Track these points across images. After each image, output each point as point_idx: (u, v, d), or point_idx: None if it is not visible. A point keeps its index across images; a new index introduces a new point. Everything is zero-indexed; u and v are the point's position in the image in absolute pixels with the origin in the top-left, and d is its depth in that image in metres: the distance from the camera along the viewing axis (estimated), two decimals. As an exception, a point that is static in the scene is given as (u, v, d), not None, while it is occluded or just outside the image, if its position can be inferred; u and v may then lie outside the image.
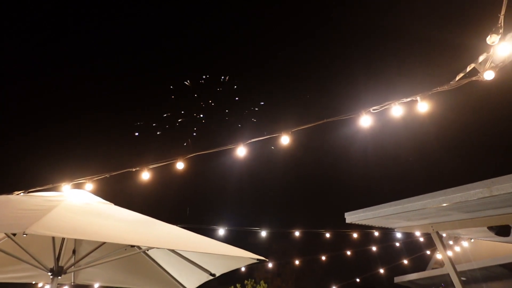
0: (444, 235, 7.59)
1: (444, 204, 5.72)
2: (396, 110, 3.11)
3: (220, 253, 2.82)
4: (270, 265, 12.76)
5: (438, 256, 12.21)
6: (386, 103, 3.04)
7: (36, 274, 4.29)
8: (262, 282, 16.48)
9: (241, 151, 3.48)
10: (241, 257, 3.11)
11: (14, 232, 3.08)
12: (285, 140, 3.37)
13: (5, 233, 3.39)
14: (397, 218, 6.96)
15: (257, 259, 2.83)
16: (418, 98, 2.96)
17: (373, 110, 3.10)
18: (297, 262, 12.56)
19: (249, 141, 3.37)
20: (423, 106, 3.00)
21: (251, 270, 14.46)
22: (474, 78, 2.64)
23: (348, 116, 3.12)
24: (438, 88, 2.82)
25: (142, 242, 2.73)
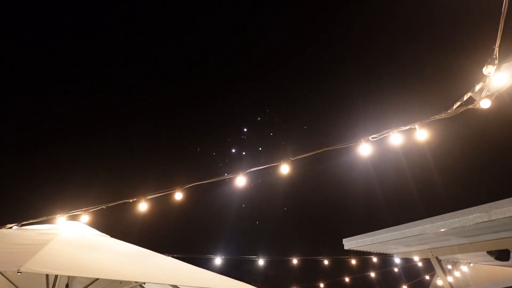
0: (442, 259, 7.52)
1: (443, 229, 5.69)
2: (395, 138, 3.14)
3: (218, 286, 2.74)
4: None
5: (438, 282, 12.03)
6: (385, 131, 3.08)
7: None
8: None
9: (240, 181, 3.46)
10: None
11: (8, 270, 2.98)
12: (284, 169, 3.36)
13: (-3, 269, 3.27)
14: (395, 244, 6.90)
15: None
16: (416, 126, 3.01)
17: (372, 138, 3.13)
18: (295, 290, 12.27)
19: (249, 171, 3.36)
20: (422, 134, 3.04)
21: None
22: (470, 106, 2.69)
23: (347, 144, 3.14)
24: (436, 116, 2.86)
25: (138, 278, 2.65)
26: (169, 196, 3.54)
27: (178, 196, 3.57)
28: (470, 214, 4.97)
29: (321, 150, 3.17)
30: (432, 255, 7.02)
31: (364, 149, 3.21)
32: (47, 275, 3.25)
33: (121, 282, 3.86)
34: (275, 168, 3.33)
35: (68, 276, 3.89)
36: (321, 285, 12.02)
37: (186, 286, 3.59)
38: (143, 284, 4.05)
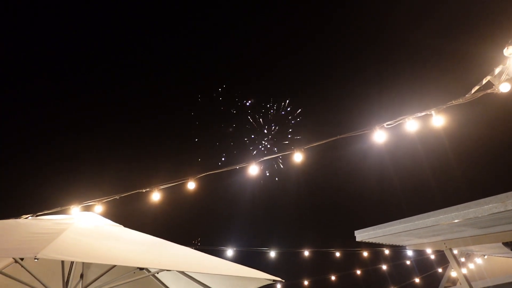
0: (456, 251, 7.44)
1: (457, 220, 5.61)
2: (411, 125, 3.07)
3: (233, 274, 2.74)
4: (278, 286, 12.49)
5: (452, 274, 11.93)
6: (400, 118, 3.02)
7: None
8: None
9: (253, 170, 3.44)
10: (254, 278, 3.03)
11: (25, 256, 3.03)
12: (298, 157, 3.33)
13: (13, 258, 3.33)
14: (408, 236, 6.83)
15: (273, 280, 2.75)
16: (432, 112, 2.94)
17: (387, 125, 3.08)
18: (306, 282, 12.28)
19: (262, 159, 3.35)
20: (438, 120, 2.97)
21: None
22: (489, 91, 2.61)
23: (361, 131, 3.09)
24: (453, 102, 2.79)
25: (154, 265, 2.66)
26: (182, 186, 3.55)
27: (191, 185, 3.58)
28: (486, 204, 4.89)
29: (335, 138, 3.13)
30: (446, 246, 6.93)
31: (379, 136, 3.16)
32: (62, 265, 3.29)
33: (134, 272, 3.89)
34: (289, 156, 3.31)
35: (83, 266, 3.95)
36: (333, 277, 12.01)
37: (202, 274, 3.61)
38: (156, 275, 4.08)
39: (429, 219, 5.77)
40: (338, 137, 3.11)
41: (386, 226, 6.69)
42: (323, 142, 3.14)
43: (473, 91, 2.64)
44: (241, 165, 3.38)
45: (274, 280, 2.76)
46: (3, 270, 3.40)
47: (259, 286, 3.09)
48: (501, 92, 2.61)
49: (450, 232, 6.26)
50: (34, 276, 3.28)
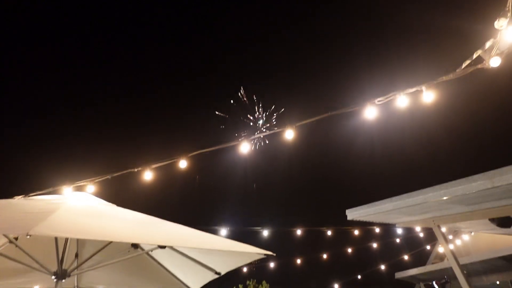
0: (444, 229, 7.62)
1: (445, 197, 5.72)
2: (401, 101, 3.09)
3: (226, 249, 2.79)
4: (271, 264, 12.75)
5: (440, 249, 12.25)
6: (391, 93, 3.03)
7: (38, 279, 4.23)
8: (264, 282, 16.43)
9: (244, 147, 3.45)
10: (247, 253, 3.09)
11: (18, 234, 3.04)
12: (289, 134, 3.34)
13: (7, 237, 3.33)
14: (398, 214, 6.96)
15: (264, 254, 2.80)
16: (423, 88, 2.95)
17: (378, 101, 3.09)
18: (298, 261, 12.55)
19: (253, 137, 3.35)
20: (429, 96, 2.99)
21: (251, 270, 14.41)
22: (480, 66, 2.62)
23: (352, 108, 3.10)
24: (444, 77, 2.80)
25: (149, 240, 2.69)
26: (174, 164, 3.55)
27: (183, 164, 3.59)
28: (473, 181, 4.98)
29: (326, 115, 3.14)
30: (434, 223, 7.09)
31: (370, 113, 3.17)
32: (56, 244, 3.31)
33: (129, 250, 3.94)
34: (280, 134, 3.31)
35: (77, 245, 3.97)
36: (324, 255, 12.29)
37: (195, 251, 3.66)
38: (150, 253, 4.13)
39: (418, 197, 5.88)
40: (330, 113, 3.11)
41: (377, 204, 6.80)
42: (315, 119, 3.14)
43: (463, 66, 2.65)
44: (232, 143, 3.38)
45: (265, 255, 2.82)
46: (-3, 250, 3.42)
47: (251, 260, 3.15)
48: (492, 67, 2.62)
49: (438, 210, 6.39)
50: (29, 255, 3.30)
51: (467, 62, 2.66)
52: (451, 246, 7.31)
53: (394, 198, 6.42)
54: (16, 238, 3.47)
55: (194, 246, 2.79)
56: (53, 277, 3.30)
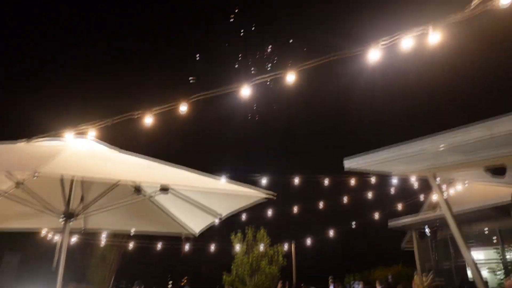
0: (439, 179, 7.80)
1: (442, 146, 5.80)
2: (407, 43, 3.00)
3: (230, 190, 2.87)
4: (269, 212, 13.18)
5: (433, 199, 12.62)
6: (396, 34, 2.94)
7: (47, 221, 4.38)
8: (262, 229, 17.13)
9: (245, 92, 3.41)
10: (248, 195, 3.19)
11: (26, 172, 3.11)
12: (290, 78, 3.28)
13: (14, 181, 3.40)
14: (394, 163, 7.07)
15: (265, 196, 2.90)
16: (429, 28, 2.86)
17: (382, 43, 3.01)
18: (295, 209, 12.98)
19: (253, 81, 3.30)
20: (435, 38, 2.90)
21: (250, 218, 14.95)
22: (489, 5, 2.53)
23: (356, 51, 3.03)
24: (451, 17, 2.71)
25: (152, 180, 2.76)
26: (175, 109, 3.54)
27: (183, 108, 3.58)
28: (471, 130, 5.02)
29: (328, 58, 3.07)
30: (430, 173, 7.24)
31: (374, 56, 3.11)
32: (63, 186, 3.39)
33: (134, 190, 4.03)
34: (281, 78, 3.26)
35: (82, 188, 4.07)
36: (320, 204, 12.69)
37: (198, 195, 3.77)
38: (153, 195, 4.23)
39: (415, 146, 5.95)
40: (332, 57, 3.04)
41: (374, 153, 6.88)
42: (316, 62, 3.07)
43: (472, 5, 2.55)
44: (233, 87, 3.34)
45: (266, 196, 2.91)
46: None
47: (252, 202, 3.26)
48: (503, 6, 2.52)
49: (435, 159, 6.49)
50: (36, 198, 3.40)
51: (476, 1, 2.56)
52: (444, 196, 7.53)
53: (391, 147, 6.50)
54: (22, 182, 3.55)
55: (196, 185, 2.86)
56: (61, 218, 3.43)
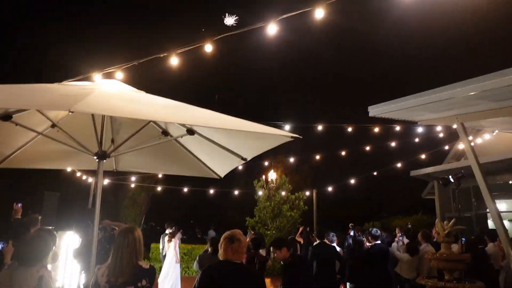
0: (466, 128, 7.61)
1: (473, 93, 5.60)
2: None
3: (256, 130, 2.92)
4: (291, 159, 13.37)
5: (459, 147, 12.42)
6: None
7: (81, 161, 4.64)
8: (283, 176, 17.49)
9: (271, 29, 3.33)
10: (273, 137, 3.24)
11: (59, 109, 3.25)
12: (319, 13, 3.15)
13: (51, 121, 3.57)
14: (421, 110, 6.91)
15: (291, 137, 2.94)
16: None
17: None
18: (317, 157, 13.09)
19: (281, 17, 3.21)
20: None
21: (273, 165, 15.23)
22: None
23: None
24: None
25: (179, 120, 2.84)
26: (200, 49, 3.53)
27: (208, 48, 3.56)
28: (504, 75, 4.81)
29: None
30: (458, 121, 7.06)
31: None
32: (95, 126, 3.53)
33: (160, 137, 4.18)
34: (309, 13, 3.14)
35: (112, 130, 4.24)
36: (343, 152, 12.73)
37: (223, 137, 3.86)
38: (179, 139, 4.35)
39: (444, 92, 5.76)
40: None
41: (401, 100, 6.73)
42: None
43: None
44: (258, 25, 3.27)
45: (292, 138, 2.95)
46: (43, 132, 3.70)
47: (277, 144, 3.32)
48: None
49: (464, 106, 6.30)
50: (71, 137, 3.57)
51: None
52: (471, 144, 7.39)
53: (418, 94, 6.33)
54: (57, 123, 3.72)
55: (223, 127, 2.93)
56: (95, 157, 3.61)
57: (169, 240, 10.15)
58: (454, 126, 8.02)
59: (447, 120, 7.65)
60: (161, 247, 10.60)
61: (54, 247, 4.01)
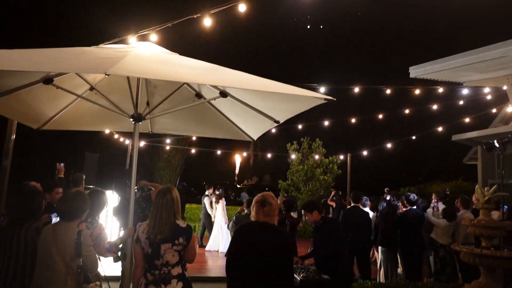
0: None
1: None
2: None
3: (289, 92, 2.87)
4: (326, 123, 13.16)
5: (508, 110, 11.65)
6: None
7: (119, 123, 4.80)
8: (317, 139, 17.34)
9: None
10: (307, 99, 3.17)
11: (96, 72, 3.34)
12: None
13: (89, 84, 3.68)
14: (468, 71, 6.49)
15: (325, 99, 2.86)
16: None
17: None
18: (353, 120, 12.78)
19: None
20: None
21: (306, 128, 15.05)
22: None
23: None
24: None
25: (213, 82, 2.83)
26: (233, 9, 3.43)
27: (242, 8, 3.46)
28: None
29: None
30: (508, 81, 6.58)
31: None
32: (130, 89, 3.59)
33: (193, 100, 4.20)
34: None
35: (147, 93, 4.31)
36: (380, 115, 12.32)
37: (256, 100, 3.82)
38: (212, 102, 4.36)
39: (496, 50, 5.34)
40: None
41: (446, 60, 6.33)
42: None
43: None
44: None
45: (326, 100, 2.87)
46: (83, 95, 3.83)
47: (310, 107, 3.25)
48: None
49: (516, 66, 5.85)
50: (109, 100, 3.67)
51: None
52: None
53: (466, 53, 5.91)
54: (95, 86, 3.83)
55: (256, 88, 2.89)
56: (131, 119, 3.71)
57: (217, 202, 10.54)
58: (504, 87, 7.50)
59: (496, 81, 7.14)
60: (207, 207, 10.97)
61: (106, 206, 4.26)
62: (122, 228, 5.01)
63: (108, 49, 3.42)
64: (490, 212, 4.63)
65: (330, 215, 9.52)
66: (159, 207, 3.02)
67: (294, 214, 9.37)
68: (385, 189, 11.77)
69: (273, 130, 4.01)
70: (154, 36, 3.51)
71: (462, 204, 6.99)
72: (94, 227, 3.72)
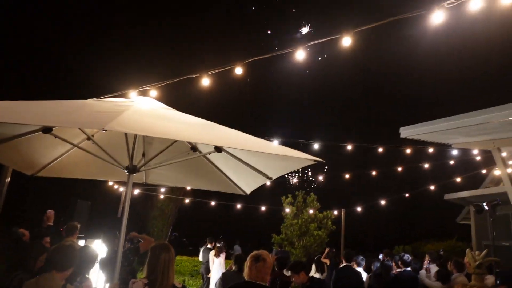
0: (504, 153, 7.29)
1: (511, 118, 5.40)
2: (476, 3, 2.72)
3: (280, 153, 2.97)
4: (320, 177, 13.21)
5: (496, 173, 11.84)
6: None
7: (113, 173, 4.83)
8: (312, 194, 17.29)
9: (300, 55, 3.40)
10: (298, 159, 3.26)
11: (94, 128, 3.43)
12: (346, 41, 3.19)
13: (86, 134, 3.78)
14: (455, 134, 6.71)
15: (314, 160, 2.96)
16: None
17: (448, 4, 2.78)
18: (346, 176, 12.87)
19: (309, 44, 3.27)
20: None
21: (301, 183, 15.11)
22: None
23: (417, 12, 2.84)
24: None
25: (207, 141, 2.93)
26: (230, 71, 3.64)
27: (238, 71, 3.67)
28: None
29: (387, 20, 2.92)
30: (494, 146, 6.78)
31: (437, 18, 2.88)
32: (127, 142, 3.69)
33: (188, 152, 4.30)
34: (336, 41, 3.18)
35: (144, 145, 4.40)
36: (373, 172, 12.44)
37: (249, 156, 3.92)
38: (207, 156, 4.46)
39: (479, 117, 5.57)
40: (391, 19, 2.89)
41: (434, 123, 6.56)
42: (374, 25, 2.93)
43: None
44: (287, 50, 3.35)
45: (315, 161, 2.97)
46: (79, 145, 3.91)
47: (301, 166, 3.34)
48: None
49: (500, 131, 6.07)
50: (104, 151, 3.75)
51: None
52: (509, 170, 7.06)
53: (452, 117, 6.15)
54: (93, 135, 3.92)
55: (249, 149, 2.99)
56: (126, 171, 3.76)
57: (217, 255, 10.29)
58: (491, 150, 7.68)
59: (482, 144, 7.36)
60: (202, 259, 10.95)
61: (94, 263, 4.15)
62: (108, 283, 4.85)
63: (108, 102, 3.57)
64: (484, 277, 4.56)
65: (325, 273, 9.26)
66: (166, 262, 2.90)
67: (287, 272, 9.08)
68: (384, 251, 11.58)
69: (269, 183, 4.09)
70: (154, 92, 3.69)
71: (455, 267, 6.87)
72: (83, 286, 3.63)
